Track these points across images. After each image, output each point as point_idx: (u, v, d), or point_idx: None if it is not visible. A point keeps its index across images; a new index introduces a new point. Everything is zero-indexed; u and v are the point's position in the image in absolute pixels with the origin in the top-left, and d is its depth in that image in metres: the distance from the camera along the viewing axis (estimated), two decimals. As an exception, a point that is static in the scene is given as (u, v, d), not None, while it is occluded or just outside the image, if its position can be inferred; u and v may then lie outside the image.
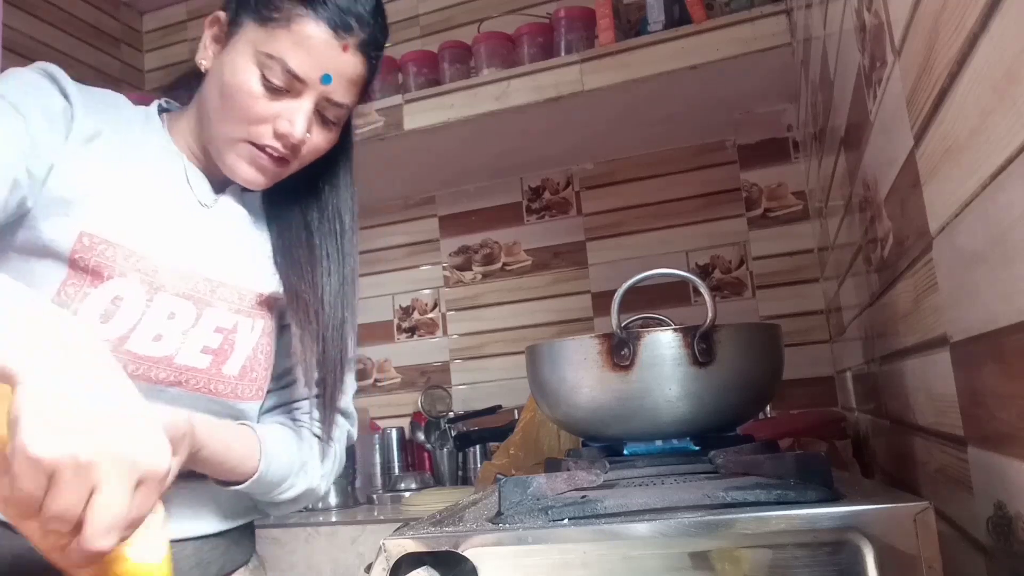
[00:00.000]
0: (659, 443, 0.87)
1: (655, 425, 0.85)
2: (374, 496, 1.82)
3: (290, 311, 0.89)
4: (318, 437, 0.92)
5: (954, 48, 0.47)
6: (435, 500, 1.55)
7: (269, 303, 0.89)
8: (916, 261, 0.66)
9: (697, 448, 0.85)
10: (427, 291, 2.19)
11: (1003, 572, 0.53)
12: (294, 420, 0.93)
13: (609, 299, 0.84)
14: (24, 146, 0.72)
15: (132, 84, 2.39)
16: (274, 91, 0.81)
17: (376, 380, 2.19)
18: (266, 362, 0.89)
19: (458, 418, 1.92)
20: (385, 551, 0.61)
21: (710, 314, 0.81)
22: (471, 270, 2.15)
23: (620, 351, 0.82)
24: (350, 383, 0.94)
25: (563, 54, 1.71)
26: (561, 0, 1.91)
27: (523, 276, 2.10)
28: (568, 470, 0.75)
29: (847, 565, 0.53)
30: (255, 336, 0.87)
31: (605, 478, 0.74)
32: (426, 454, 1.95)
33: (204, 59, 0.86)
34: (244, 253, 0.89)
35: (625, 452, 0.87)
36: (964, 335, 0.55)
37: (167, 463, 0.53)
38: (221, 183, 0.89)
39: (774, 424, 1.45)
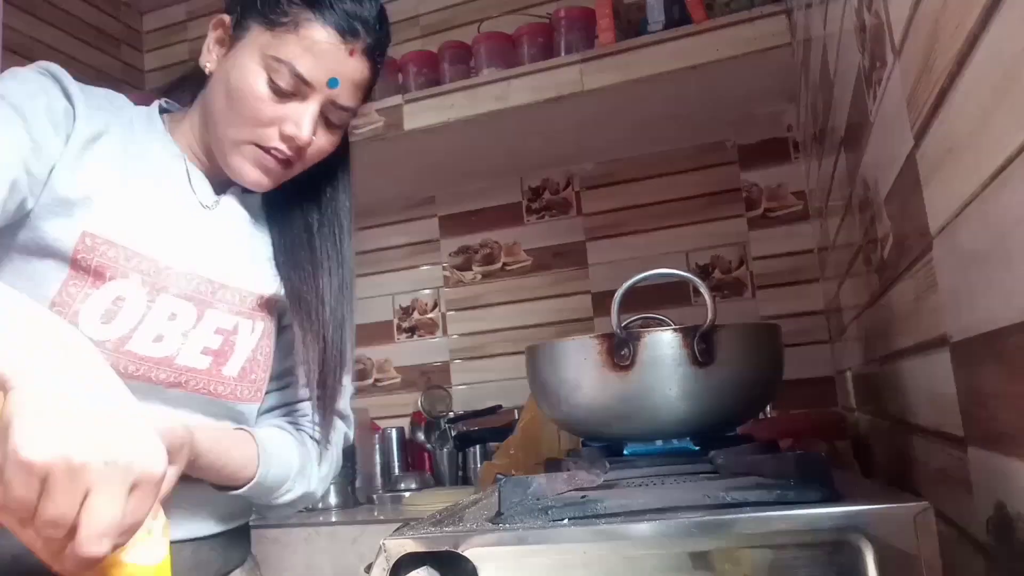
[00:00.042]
0: (659, 443, 0.87)
1: (655, 425, 0.85)
2: (374, 496, 1.82)
3: (292, 312, 0.89)
4: (316, 440, 0.92)
5: (954, 48, 0.47)
6: (435, 500, 1.55)
7: (269, 305, 0.90)
8: (916, 261, 0.66)
9: (697, 448, 0.85)
10: (427, 291, 2.19)
11: (1003, 572, 0.53)
12: (293, 422, 0.93)
13: (609, 299, 0.84)
14: (25, 147, 0.72)
15: (132, 84, 2.39)
16: (281, 94, 0.81)
17: (376, 380, 2.19)
18: (265, 364, 0.89)
19: (458, 418, 1.92)
20: (385, 551, 0.61)
21: (710, 314, 0.81)
22: (471, 270, 2.15)
23: (620, 351, 0.82)
24: (348, 385, 0.94)
25: (563, 54, 1.71)
26: (561, 0, 1.91)
27: (523, 276, 2.10)
28: (568, 470, 0.75)
29: (847, 565, 0.53)
30: (255, 338, 0.87)
31: (605, 478, 0.74)
32: (426, 454, 1.95)
33: (208, 62, 0.86)
34: (245, 255, 0.89)
35: (625, 452, 0.87)
36: (964, 335, 0.55)
37: (162, 467, 0.52)
38: (222, 184, 0.89)
39: (774, 424, 1.45)
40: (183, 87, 0.94)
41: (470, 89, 1.73)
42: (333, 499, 1.75)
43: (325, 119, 0.85)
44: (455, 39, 1.92)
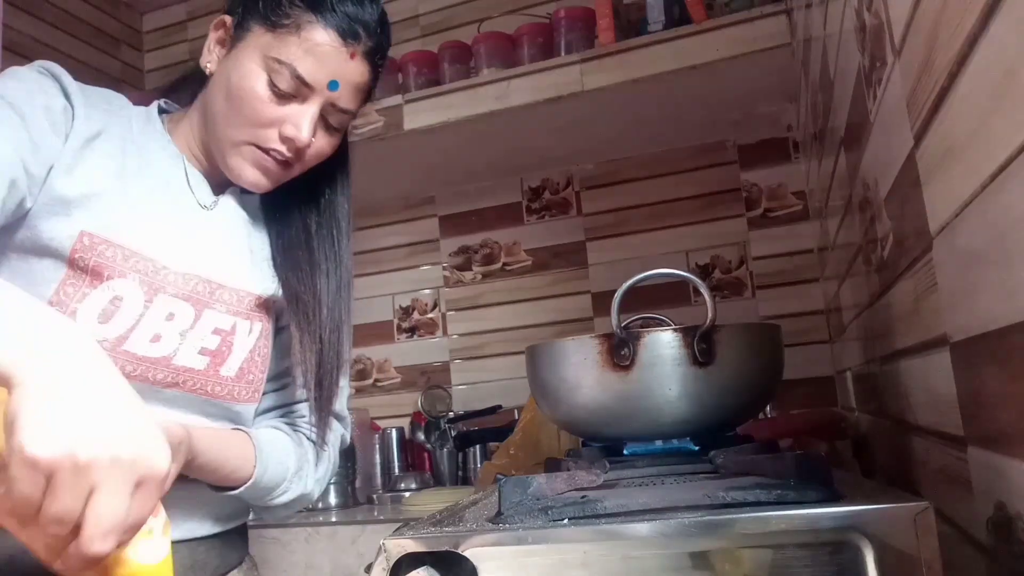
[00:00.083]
0: (659, 443, 0.87)
1: (655, 425, 0.85)
2: (374, 496, 1.82)
3: (290, 312, 0.89)
4: (313, 441, 0.92)
5: (954, 48, 0.47)
6: (435, 500, 1.55)
7: (267, 305, 0.90)
8: (916, 261, 0.66)
9: (697, 448, 0.85)
10: (427, 291, 2.19)
11: (1003, 572, 0.53)
12: (290, 423, 0.93)
13: (609, 299, 0.84)
14: (24, 146, 0.72)
15: (132, 84, 2.39)
16: (281, 96, 0.81)
17: (376, 380, 2.19)
18: (263, 364, 0.89)
19: (458, 418, 1.92)
20: (385, 551, 0.61)
21: (710, 314, 0.81)
22: (471, 270, 2.15)
23: (620, 351, 0.82)
24: (345, 386, 0.94)
25: (563, 54, 1.71)
26: (561, 0, 1.91)
27: (523, 276, 2.10)
28: (568, 470, 0.75)
29: (847, 565, 0.53)
30: (252, 338, 0.87)
31: (605, 478, 0.74)
32: (426, 454, 1.95)
33: (209, 62, 0.86)
34: (243, 255, 0.89)
35: (625, 452, 0.87)
36: (964, 335, 0.55)
37: (167, 464, 0.52)
38: (220, 185, 0.89)
39: (774, 424, 1.45)
40: (182, 87, 0.94)
41: (470, 89, 1.73)
42: (333, 499, 1.74)
43: (325, 121, 0.85)
44: (455, 39, 1.92)
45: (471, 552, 0.60)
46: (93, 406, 0.50)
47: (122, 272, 0.77)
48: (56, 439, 0.47)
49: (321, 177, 0.93)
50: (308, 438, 0.92)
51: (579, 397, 0.87)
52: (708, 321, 0.81)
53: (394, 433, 1.94)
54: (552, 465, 0.88)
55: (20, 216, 0.75)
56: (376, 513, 1.66)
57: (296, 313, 0.88)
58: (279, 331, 0.93)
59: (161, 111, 0.91)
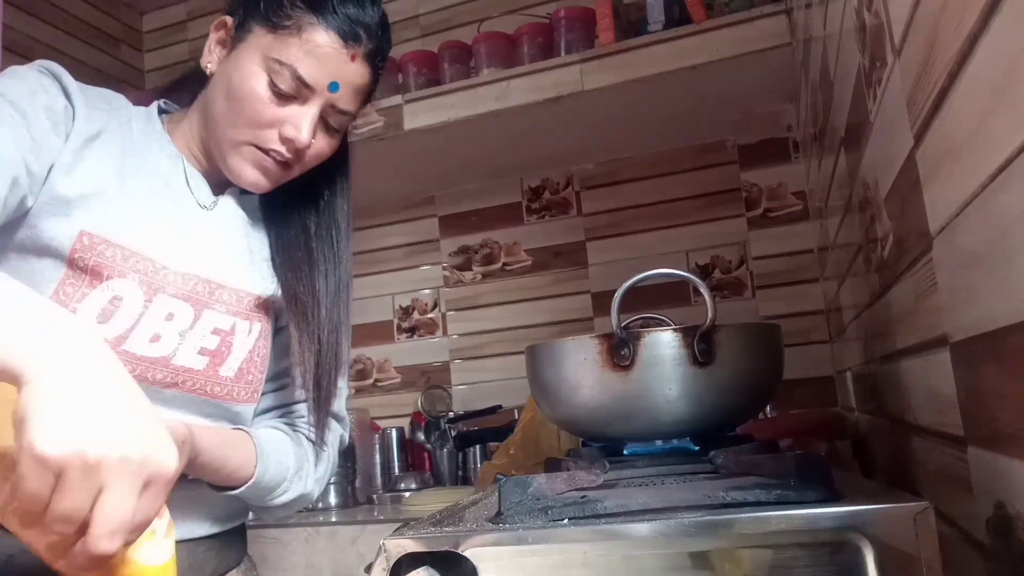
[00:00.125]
0: (659, 443, 0.87)
1: (655, 425, 0.85)
2: (374, 496, 1.82)
3: (288, 313, 0.89)
4: (312, 441, 0.92)
5: (954, 48, 0.47)
6: (435, 500, 1.55)
7: (266, 306, 0.90)
8: (916, 261, 0.66)
9: (697, 448, 0.85)
10: (427, 291, 2.18)
11: (1003, 572, 0.53)
12: (289, 423, 0.93)
13: (609, 299, 0.84)
14: (25, 145, 0.72)
15: (132, 84, 2.39)
16: (281, 96, 0.82)
17: (376, 380, 2.19)
18: (262, 365, 0.89)
19: (458, 418, 1.92)
20: (385, 551, 0.61)
21: (710, 314, 0.81)
22: (471, 270, 2.15)
23: (620, 351, 0.82)
24: (344, 387, 0.94)
25: (563, 54, 1.71)
26: (561, 0, 1.91)
27: (523, 276, 2.10)
28: (568, 470, 0.75)
29: (847, 565, 0.53)
30: (252, 339, 0.87)
31: (605, 478, 0.74)
32: (426, 454, 1.95)
33: (210, 62, 0.86)
34: (242, 256, 0.89)
35: (625, 452, 0.87)
36: (964, 335, 0.55)
37: (174, 465, 0.53)
38: (220, 185, 0.89)
39: (774, 424, 1.45)
40: (182, 88, 0.94)
41: (470, 89, 1.73)
42: (333, 499, 1.75)
43: (325, 123, 0.85)
44: (455, 39, 1.92)
45: (471, 552, 0.60)
46: (103, 405, 0.50)
47: (122, 272, 0.77)
48: (66, 438, 0.47)
49: (321, 178, 0.93)
50: (307, 438, 0.92)
51: (579, 397, 0.87)
52: (708, 321, 0.81)
53: (394, 433, 1.94)
54: (552, 465, 0.88)
55: (20, 215, 0.75)
56: (376, 513, 1.66)
57: (295, 313, 0.88)
58: (278, 331, 0.93)
59: (161, 111, 0.91)
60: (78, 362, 0.51)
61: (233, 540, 0.92)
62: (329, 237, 0.93)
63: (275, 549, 1.52)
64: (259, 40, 0.82)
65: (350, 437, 1.00)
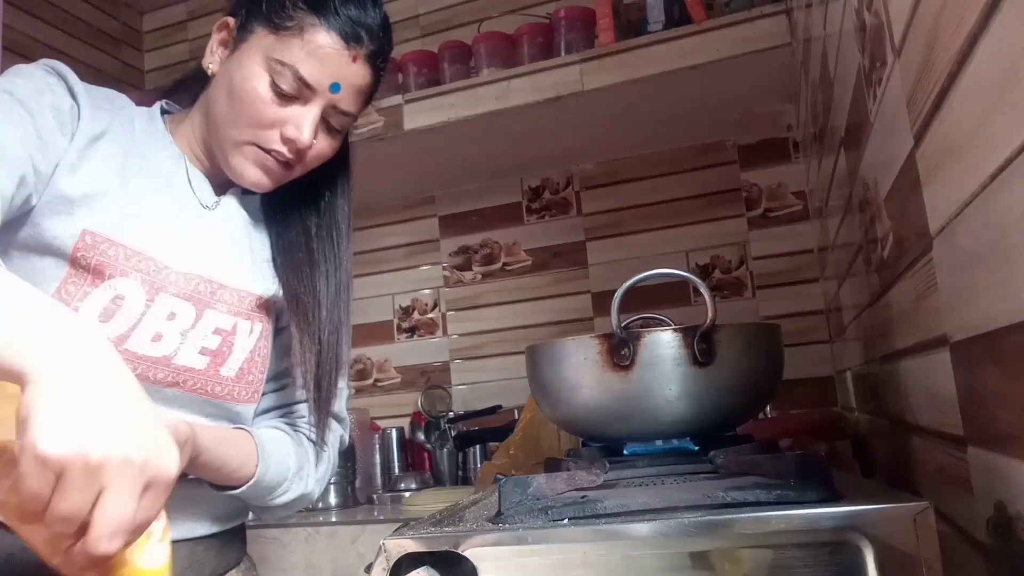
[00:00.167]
0: (659, 443, 0.87)
1: (655, 425, 0.85)
2: (374, 496, 1.82)
3: (289, 313, 0.89)
4: (313, 441, 0.92)
5: (954, 48, 0.47)
6: (435, 500, 1.55)
7: (267, 306, 0.90)
8: (916, 261, 0.66)
9: (697, 448, 0.85)
10: (427, 291, 2.18)
11: (1003, 572, 0.53)
12: (290, 423, 0.93)
13: (609, 299, 0.84)
14: (32, 144, 0.73)
15: (132, 84, 2.39)
16: (283, 97, 0.82)
17: (376, 380, 2.19)
18: (263, 365, 0.90)
19: (458, 418, 1.92)
20: (385, 551, 0.61)
21: (710, 314, 0.81)
22: (471, 270, 2.15)
23: (620, 351, 0.82)
24: (344, 388, 0.94)
25: (563, 54, 1.71)
26: (561, 0, 1.91)
27: (523, 276, 2.10)
28: (568, 470, 0.75)
29: (847, 565, 0.53)
30: (253, 339, 0.87)
31: (605, 478, 0.74)
32: (426, 454, 1.95)
33: (212, 63, 0.86)
34: (244, 256, 0.89)
35: (625, 452, 0.87)
36: (964, 335, 0.55)
37: (176, 466, 0.53)
38: (222, 186, 0.90)
39: (774, 424, 1.45)
40: (184, 88, 0.94)
41: (470, 89, 1.73)
42: (333, 499, 1.75)
43: (326, 123, 0.86)
44: (455, 39, 1.92)
45: (471, 552, 0.60)
46: (105, 405, 0.50)
47: (124, 271, 0.78)
48: (68, 438, 0.47)
49: (322, 179, 0.93)
50: (308, 438, 0.92)
51: (579, 397, 0.87)
52: (708, 321, 0.81)
53: (394, 433, 1.94)
54: (552, 465, 0.88)
55: (24, 213, 0.75)
56: (376, 513, 1.66)
57: (296, 314, 0.88)
58: (279, 332, 0.93)
59: (163, 112, 0.91)
60: (81, 361, 0.51)
61: (233, 540, 0.93)
62: (330, 238, 0.93)
63: (275, 549, 1.52)
64: (261, 41, 0.82)
65: (350, 437, 1.00)
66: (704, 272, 1.93)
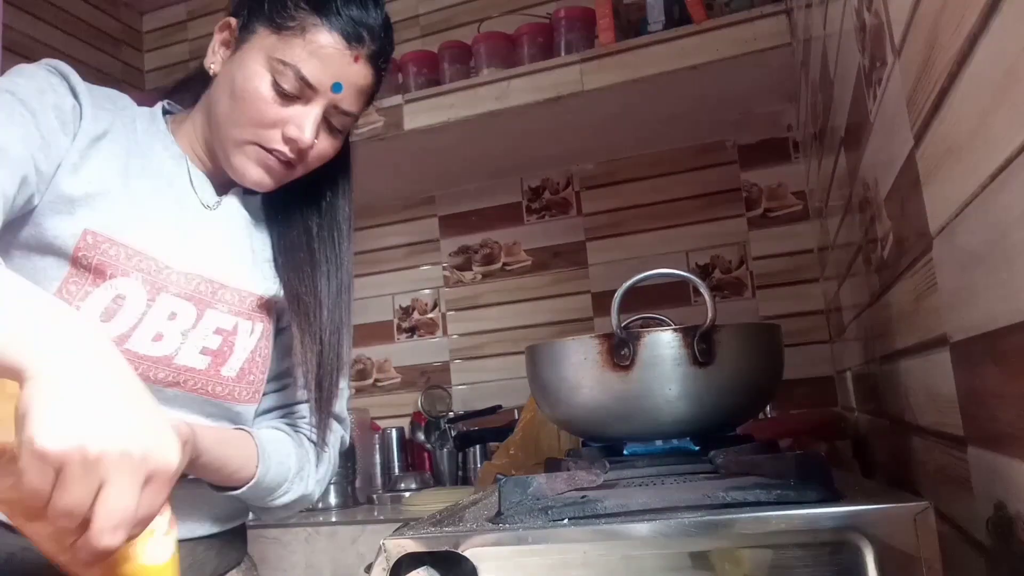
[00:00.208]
0: (659, 443, 0.87)
1: (655, 425, 0.85)
2: (374, 496, 1.82)
3: (291, 313, 0.89)
4: (313, 442, 0.92)
5: (954, 48, 0.47)
6: (435, 500, 1.55)
7: (268, 306, 0.90)
8: (916, 261, 0.66)
9: (697, 448, 0.85)
10: (427, 291, 2.19)
11: (1003, 572, 0.53)
12: (291, 424, 0.93)
13: (609, 299, 0.84)
14: (34, 144, 0.73)
15: (132, 84, 2.39)
16: (285, 97, 0.82)
17: (376, 380, 2.19)
18: (264, 365, 0.90)
19: (458, 418, 1.92)
20: (385, 551, 0.61)
21: (710, 314, 0.81)
22: (471, 270, 2.15)
23: (620, 351, 0.82)
24: (345, 388, 0.94)
25: (563, 54, 1.71)
26: (561, 0, 1.91)
27: (523, 276, 2.10)
28: (568, 470, 0.75)
29: (847, 565, 0.53)
30: (254, 339, 0.87)
31: (605, 478, 0.74)
32: (426, 454, 1.95)
33: (213, 63, 0.87)
34: (245, 256, 0.89)
35: (625, 452, 0.87)
36: (964, 335, 0.55)
37: (177, 460, 0.53)
38: (224, 186, 0.90)
39: (774, 424, 1.45)
40: (186, 88, 0.94)
41: (470, 89, 1.73)
42: (333, 499, 1.75)
43: (328, 123, 0.86)
44: (455, 39, 1.92)
45: (471, 552, 0.60)
46: (104, 401, 0.50)
47: (125, 271, 0.78)
48: (66, 432, 0.47)
49: (323, 180, 0.93)
50: (309, 439, 0.92)
51: (579, 397, 0.87)
52: (708, 321, 0.81)
53: (394, 433, 1.94)
54: (552, 465, 0.88)
55: (26, 213, 0.75)
56: (376, 513, 1.66)
57: (297, 314, 0.88)
58: (280, 332, 0.93)
59: (165, 112, 0.91)
60: (81, 359, 0.51)
61: (234, 540, 0.93)
62: (331, 238, 0.93)
63: (275, 549, 1.52)
64: (263, 41, 0.82)
65: (351, 438, 1.00)
66: (704, 272, 1.93)
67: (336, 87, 0.83)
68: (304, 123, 0.83)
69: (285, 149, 0.84)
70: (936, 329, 0.62)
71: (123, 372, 0.53)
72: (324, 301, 0.90)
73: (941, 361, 0.62)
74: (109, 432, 0.49)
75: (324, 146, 0.87)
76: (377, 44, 0.85)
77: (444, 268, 2.17)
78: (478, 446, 1.86)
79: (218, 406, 0.85)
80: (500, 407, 1.93)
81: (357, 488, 1.82)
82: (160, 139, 0.87)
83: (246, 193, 0.91)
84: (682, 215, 1.97)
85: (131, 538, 0.51)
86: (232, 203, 0.90)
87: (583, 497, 0.65)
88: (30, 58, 0.81)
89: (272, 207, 0.94)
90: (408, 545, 0.61)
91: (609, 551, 0.58)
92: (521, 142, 1.88)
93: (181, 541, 0.81)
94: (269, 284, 0.90)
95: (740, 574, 0.56)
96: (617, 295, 0.84)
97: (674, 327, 0.85)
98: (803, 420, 1.42)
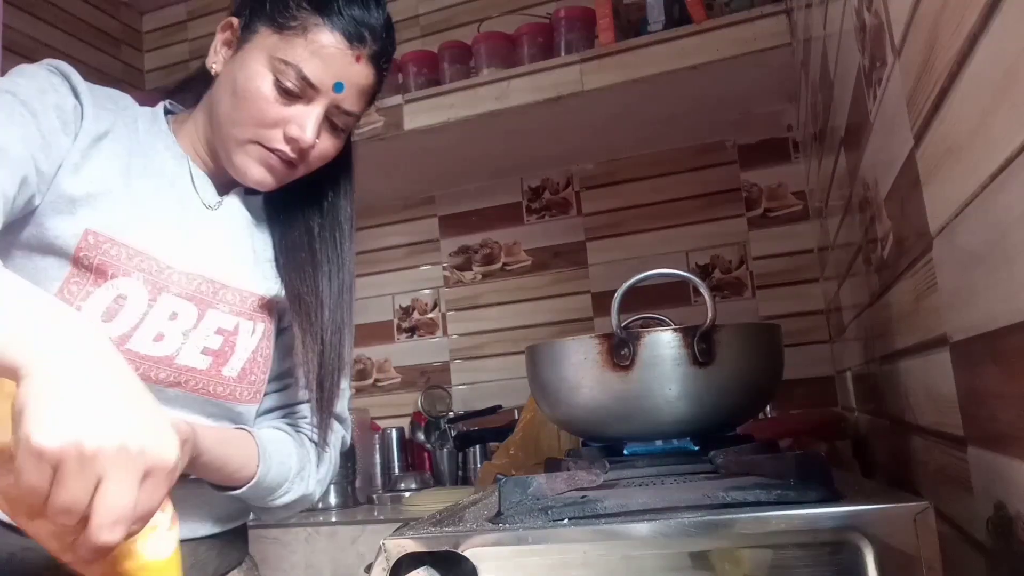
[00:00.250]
0: (659, 443, 0.87)
1: (655, 425, 0.85)
2: (374, 496, 1.82)
3: (292, 313, 0.89)
4: (314, 442, 0.92)
5: (954, 48, 0.47)
6: (435, 500, 1.55)
7: (270, 306, 0.90)
8: (916, 261, 0.66)
9: (697, 448, 0.85)
10: (427, 291, 2.19)
11: (1003, 572, 0.53)
12: (292, 424, 0.93)
13: (609, 299, 0.84)
14: (35, 144, 0.73)
15: (132, 84, 2.39)
16: (286, 96, 0.82)
17: (376, 380, 2.19)
18: (265, 365, 0.90)
19: (458, 418, 1.92)
20: (385, 551, 0.61)
21: (710, 314, 0.81)
22: (471, 270, 2.15)
23: (620, 351, 0.82)
24: (346, 388, 0.94)
25: (563, 54, 1.71)
26: (561, 0, 1.91)
27: (523, 276, 2.10)
28: (568, 470, 0.75)
29: (847, 565, 0.53)
30: (255, 339, 0.88)
31: (605, 478, 0.74)
32: (426, 454, 1.95)
33: (215, 63, 0.87)
34: (247, 256, 0.89)
35: (625, 452, 0.87)
36: (964, 335, 0.55)
37: (175, 455, 0.53)
38: (225, 186, 0.90)
39: (774, 424, 1.45)
40: (188, 88, 0.94)
41: (470, 89, 1.73)
42: (333, 499, 1.75)
43: (329, 123, 0.86)
44: (455, 39, 1.92)
45: (471, 552, 0.60)
46: (101, 397, 0.50)
47: (126, 271, 0.78)
48: (62, 429, 0.47)
49: (324, 180, 0.93)
50: (310, 439, 0.92)
51: (579, 397, 0.87)
52: (708, 321, 0.81)
53: (394, 433, 1.94)
54: (552, 465, 0.88)
55: (27, 213, 0.75)
56: (376, 513, 1.66)
57: (298, 314, 0.88)
58: (281, 332, 0.93)
59: (166, 112, 0.91)
60: (79, 358, 0.51)
61: (235, 540, 0.93)
62: (333, 238, 0.93)
63: (275, 549, 1.52)
64: (265, 40, 0.83)
65: (351, 438, 1.00)
66: (704, 272, 1.93)
67: (338, 87, 0.83)
68: (306, 123, 0.83)
69: (287, 149, 0.84)
70: (936, 329, 0.62)
71: (122, 372, 0.53)
72: (325, 301, 0.90)
73: (941, 361, 0.62)
74: (105, 428, 0.49)
75: (326, 146, 0.87)
76: (379, 44, 0.85)
77: (444, 268, 2.17)
78: (478, 446, 1.86)
79: (219, 406, 0.85)
80: (500, 407, 1.93)
81: (357, 488, 1.82)
82: (162, 139, 0.87)
83: (248, 193, 0.91)
84: (682, 215, 1.97)
85: (131, 534, 0.51)
86: (234, 203, 0.90)
87: (583, 497, 0.65)
88: (30, 58, 0.81)
89: (274, 207, 0.94)
90: (408, 545, 0.61)
91: (609, 551, 0.58)
92: (521, 142, 1.88)
93: (183, 541, 0.82)
94: (270, 284, 0.90)
95: (740, 574, 0.56)
96: (617, 295, 0.84)
97: (674, 327, 0.85)
98: (803, 420, 1.42)
